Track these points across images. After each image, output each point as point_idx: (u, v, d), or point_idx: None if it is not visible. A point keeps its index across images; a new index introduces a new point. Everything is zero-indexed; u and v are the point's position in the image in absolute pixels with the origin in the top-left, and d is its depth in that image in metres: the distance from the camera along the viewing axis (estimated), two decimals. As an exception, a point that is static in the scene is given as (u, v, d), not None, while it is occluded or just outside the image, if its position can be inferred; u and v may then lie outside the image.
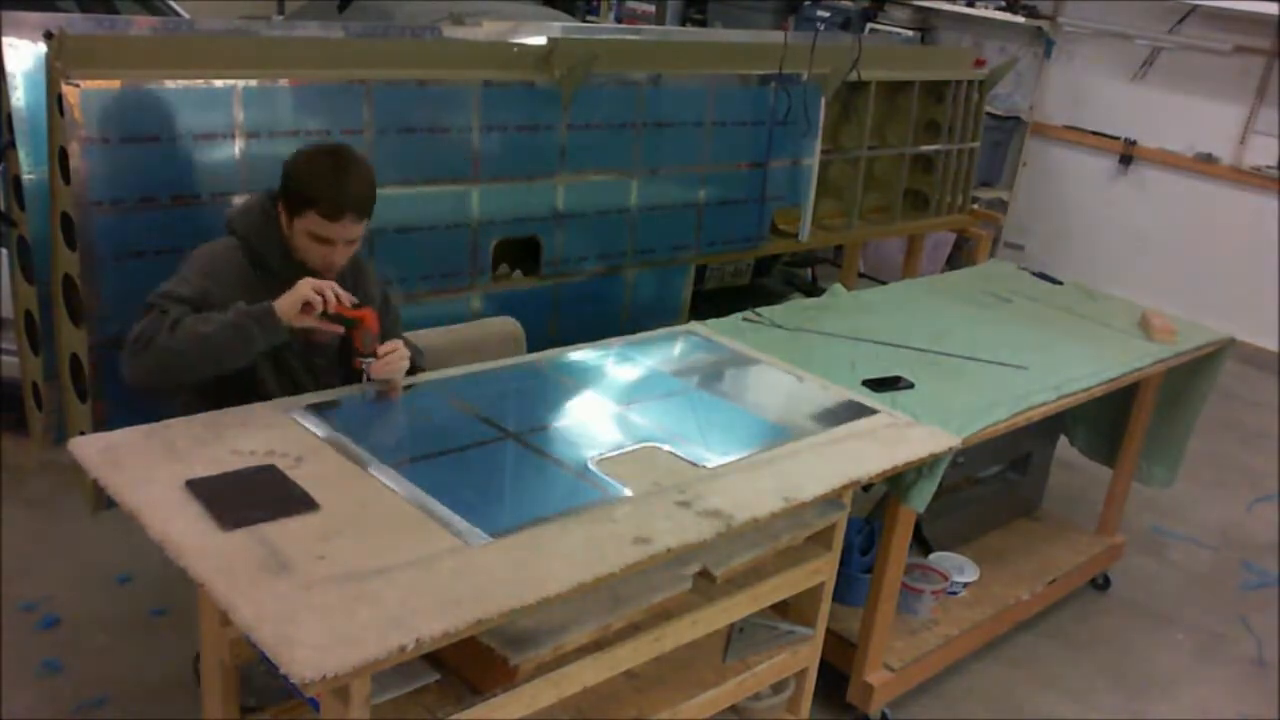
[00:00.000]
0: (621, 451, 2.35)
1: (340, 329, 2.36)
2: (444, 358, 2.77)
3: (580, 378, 2.74)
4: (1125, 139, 6.59)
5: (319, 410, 2.34)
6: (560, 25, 4.48)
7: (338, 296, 2.29)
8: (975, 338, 3.25)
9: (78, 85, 2.48)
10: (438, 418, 2.43)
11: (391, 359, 2.42)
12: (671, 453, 2.36)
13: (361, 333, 2.36)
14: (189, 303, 2.27)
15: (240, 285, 2.35)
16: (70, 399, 2.78)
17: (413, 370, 2.54)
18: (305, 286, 2.26)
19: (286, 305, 2.26)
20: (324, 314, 2.29)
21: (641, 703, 2.39)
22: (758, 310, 3.29)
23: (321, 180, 2.31)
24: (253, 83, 2.77)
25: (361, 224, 2.38)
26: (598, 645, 2.11)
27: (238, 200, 2.80)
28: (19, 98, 2.67)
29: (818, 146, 4.24)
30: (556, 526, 2.01)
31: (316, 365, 2.51)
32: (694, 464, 2.32)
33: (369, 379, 2.41)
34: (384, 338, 2.44)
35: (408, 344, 2.51)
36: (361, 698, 1.73)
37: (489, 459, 2.28)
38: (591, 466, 2.26)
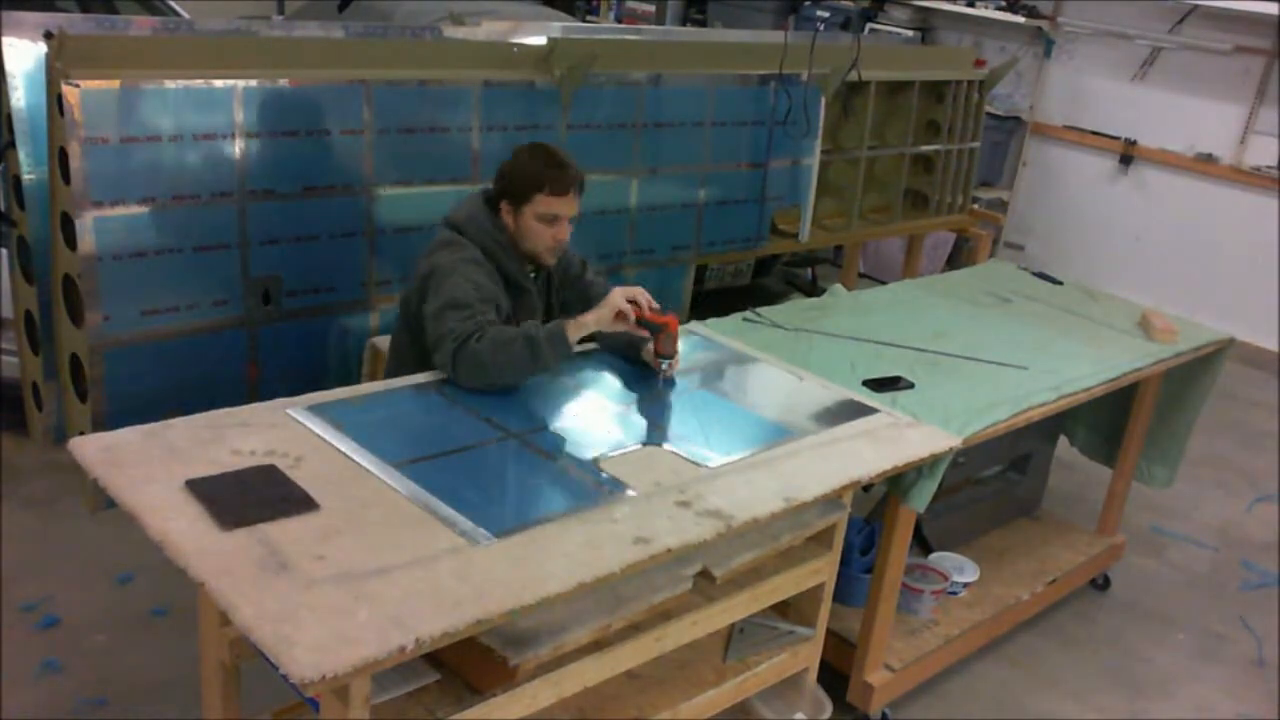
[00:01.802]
0: (623, 451, 2.35)
1: (646, 333, 2.61)
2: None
3: (581, 377, 2.74)
4: (1125, 139, 6.59)
5: (319, 410, 2.34)
6: (560, 25, 4.48)
7: (648, 303, 2.58)
8: (975, 338, 3.25)
9: (78, 85, 2.48)
10: (438, 417, 2.43)
11: (677, 364, 2.66)
12: (673, 452, 2.36)
13: (665, 337, 2.60)
14: (489, 302, 2.54)
15: (490, 277, 2.61)
16: (70, 399, 2.78)
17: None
18: (618, 297, 2.56)
19: (603, 314, 2.55)
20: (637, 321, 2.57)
21: (641, 703, 2.39)
22: (758, 310, 3.29)
23: (543, 165, 2.63)
24: (253, 83, 2.77)
25: (579, 200, 2.67)
26: (598, 645, 2.11)
27: (239, 200, 2.80)
28: (19, 98, 2.67)
29: (818, 146, 4.24)
30: (557, 526, 2.01)
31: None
32: (695, 464, 2.32)
33: (664, 380, 2.65)
34: (596, 298, 2.66)
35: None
36: (361, 698, 1.73)
37: (491, 459, 2.28)
38: (594, 466, 2.26)
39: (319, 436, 2.23)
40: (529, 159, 2.66)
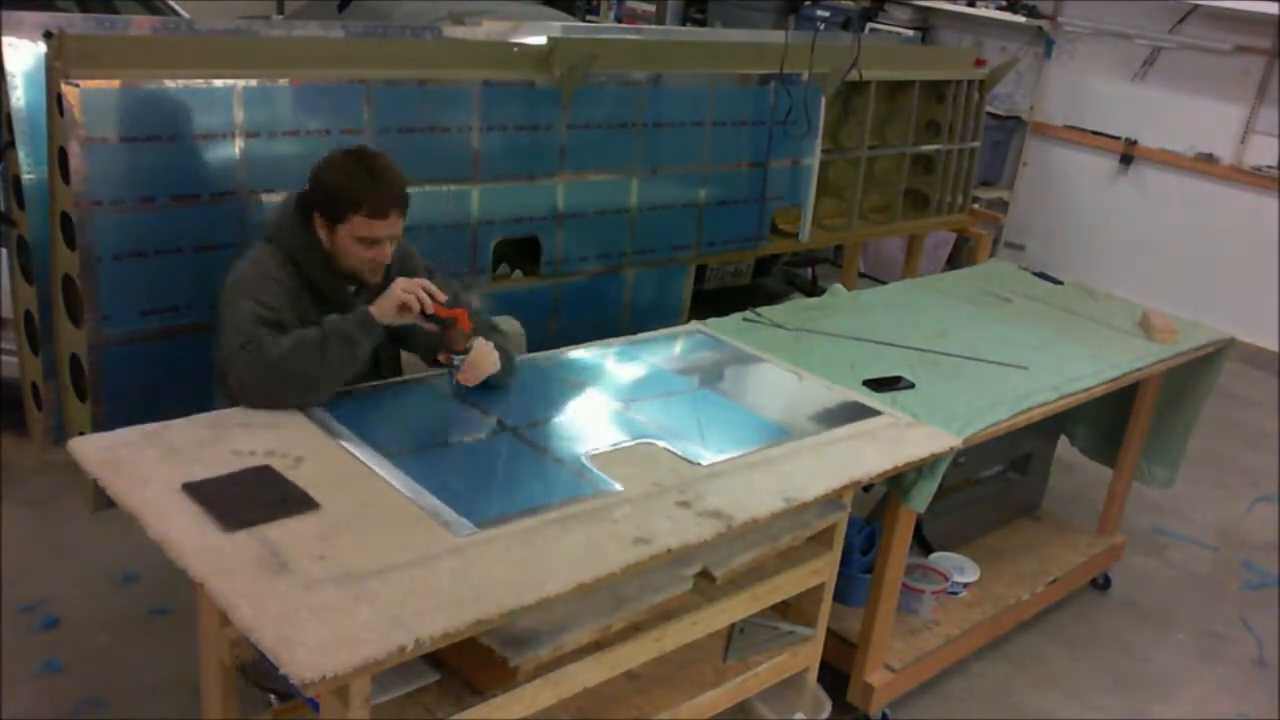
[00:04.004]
0: (617, 448, 2.35)
1: (434, 327, 2.40)
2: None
3: (581, 375, 2.74)
4: (1125, 139, 6.58)
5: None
6: (560, 25, 4.47)
7: (432, 296, 2.35)
8: (975, 338, 3.25)
9: (77, 85, 2.48)
10: (439, 413, 2.44)
11: (480, 363, 2.46)
12: (669, 450, 2.36)
13: (454, 332, 2.40)
14: (273, 326, 2.30)
15: (288, 297, 2.37)
16: (70, 399, 2.78)
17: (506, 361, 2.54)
18: (398, 289, 2.32)
19: (385, 307, 2.32)
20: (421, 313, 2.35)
21: (641, 703, 2.39)
22: (758, 310, 3.29)
23: (359, 183, 2.34)
24: (253, 83, 2.77)
25: (403, 218, 2.42)
26: (598, 645, 2.12)
27: (236, 200, 2.80)
28: (19, 98, 2.67)
29: (818, 146, 4.24)
30: (557, 526, 2.01)
31: (392, 354, 2.60)
32: (693, 462, 2.32)
33: (454, 378, 2.47)
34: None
35: (496, 333, 2.55)
36: (361, 698, 1.73)
37: (483, 452, 2.30)
38: (584, 461, 2.27)
39: (316, 427, 2.24)
40: (345, 172, 2.35)
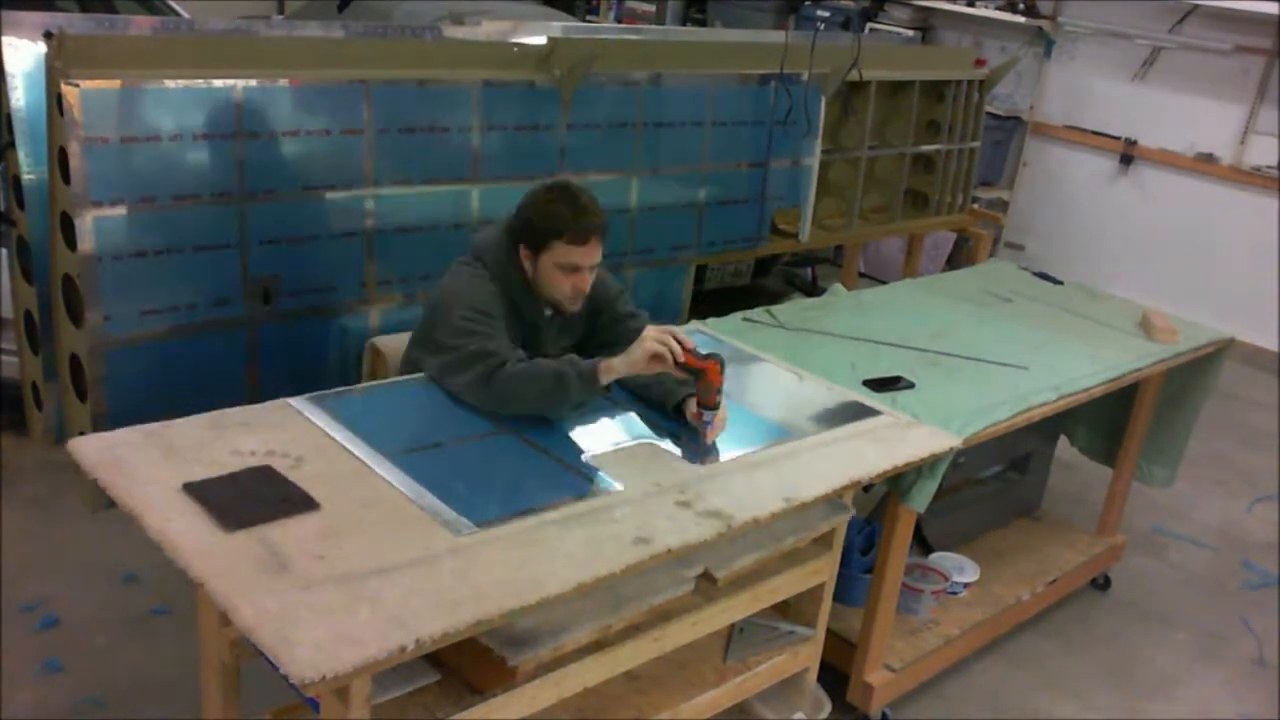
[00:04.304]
0: (618, 448, 2.35)
1: (685, 375, 2.37)
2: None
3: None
4: (1125, 139, 6.59)
5: (319, 400, 2.37)
6: (560, 25, 4.47)
7: (683, 346, 2.34)
8: (975, 338, 3.25)
9: (77, 85, 2.48)
10: (437, 411, 2.44)
11: (726, 418, 2.42)
12: (669, 450, 2.36)
13: (705, 384, 2.34)
14: (499, 333, 2.43)
15: (499, 308, 2.49)
16: (70, 399, 2.78)
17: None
18: (651, 340, 2.34)
19: (636, 357, 2.34)
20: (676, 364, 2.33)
21: (641, 703, 2.39)
22: (758, 310, 3.29)
23: (563, 211, 2.46)
24: (253, 83, 2.77)
25: (602, 246, 2.51)
26: (598, 645, 2.12)
27: (239, 200, 2.80)
28: (19, 98, 2.67)
29: (818, 146, 4.24)
30: (557, 526, 2.01)
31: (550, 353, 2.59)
32: (693, 462, 2.32)
33: (705, 437, 2.38)
34: (627, 334, 2.49)
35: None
36: (361, 698, 1.73)
37: (483, 452, 2.30)
38: (586, 461, 2.28)
39: (317, 427, 2.24)
40: (549, 203, 2.49)
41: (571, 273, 2.49)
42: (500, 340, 2.42)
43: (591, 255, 2.49)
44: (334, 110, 2.94)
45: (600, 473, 2.23)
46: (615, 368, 2.37)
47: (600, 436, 2.40)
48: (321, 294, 3.03)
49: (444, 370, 2.45)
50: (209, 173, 2.75)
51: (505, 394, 2.36)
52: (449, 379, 2.44)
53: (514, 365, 2.37)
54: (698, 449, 2.37)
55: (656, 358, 2.33)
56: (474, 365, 2.38)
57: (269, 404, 2.35)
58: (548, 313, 2.61)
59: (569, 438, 2.38)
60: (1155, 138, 6.50)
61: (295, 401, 2.34)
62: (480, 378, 2.37)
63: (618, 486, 2.18)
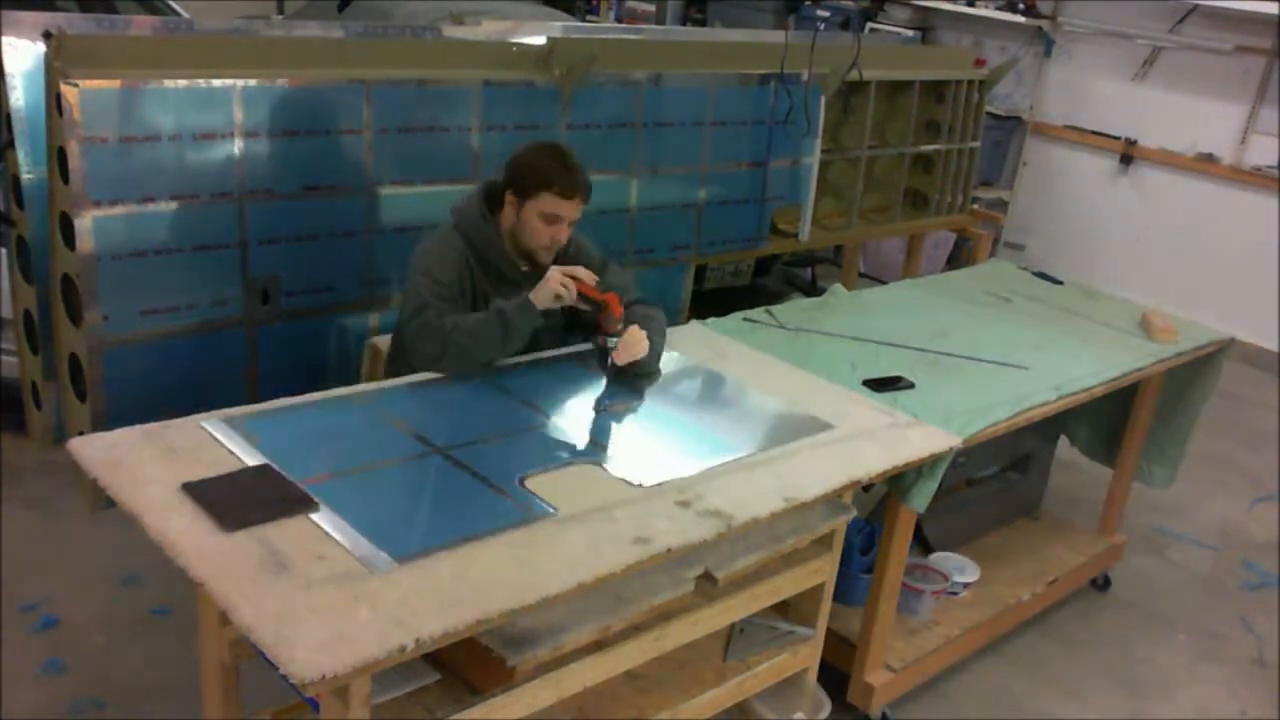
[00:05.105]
0: (547, 470, 2.22)
1: (588, 308, 2.61)
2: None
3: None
4: (1125, 139, 6.58)
5: (234, 423, 2.21)
6: (560, 25, 4.48)
7: (583, 281, 2.58)
8: (975, 338, 3.25)
9: (77, 85, 2.48)
10: (363, 431, 2.30)
11: (633, 345, 2.63)
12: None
13: (606, 315, 2.58)
14: (446, 301, 2.60)
15: (464, 275, 2.67)
16: (70, 399, 2.78)
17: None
18: (554, 280, 2.55)
19: (542, 293, 2.56)
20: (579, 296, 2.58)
21: (641, 703, 2.39)
22: (758, 310, 3.29)
23: (555, 165, 2.64)
24: (253, 83, 2.77)
25: (584, 206, 2.69)
26: (598, 645, 2.11)
27: (239, 200, 2.80)
28: (18, 98, 2.67)
29: (818, 146, 4.24)
30: (557, 526, 2.01)
31: (540, 335, 2.73)
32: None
33: (612, 361, 2.62)
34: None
35: (650, 323, 2.72)
36: (361, 698, 1.73)
37: (410, 476, 2.16)
38: (519, 484, 2.14)
39: (231, 453, 2.10)
40: (543, 155, 2.68)
41: (553, 223, 2.65)
42: (445, 305, 2.58)
43: (573, 210, 2.66)
44: (334, 110, 2.94)
45: (536, 496, 2.10)
46: (536, 300, 2.56)
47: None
48: (321, 294, 3.04)
49: (412, 348, 2.61)
50: (209, 173, 2.75)
51: (460, 353, 2.54)
52: (415, 360, 2.60)
53: (453, 328, 2.53)
54: (608, 368, 2.65)
55: (558, 296, 2.56)
56: (425, 340, 2.55)
57: (183, 420, 2.20)
58: (524, 268, 2.73)
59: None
60: (1155, 138, 6.50)
61: (209, 424, 2.20)
62: (434, 350, 2.54)
63: (550, 510, 2.06)
